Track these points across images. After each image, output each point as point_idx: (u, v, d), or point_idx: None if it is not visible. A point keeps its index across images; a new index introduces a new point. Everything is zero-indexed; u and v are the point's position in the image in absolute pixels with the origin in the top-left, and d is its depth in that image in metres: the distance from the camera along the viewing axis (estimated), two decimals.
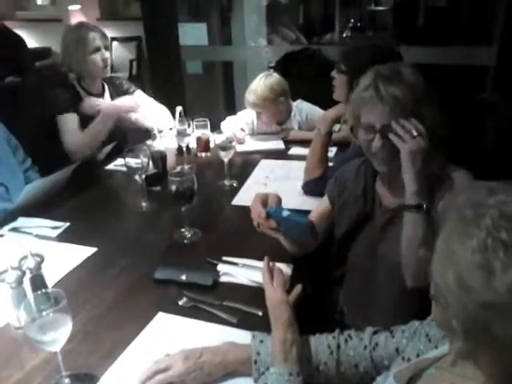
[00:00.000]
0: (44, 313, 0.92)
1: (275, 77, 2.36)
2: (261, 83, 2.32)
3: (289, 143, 2.34)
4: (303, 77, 2.73)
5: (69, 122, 2.26)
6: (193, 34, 3.62)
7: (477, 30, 3.70)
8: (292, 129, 2.39)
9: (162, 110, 2.49)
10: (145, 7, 3.42)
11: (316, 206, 1.55)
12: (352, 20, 4.80)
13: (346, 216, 1.41)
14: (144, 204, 1.80)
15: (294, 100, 2.43)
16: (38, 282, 1.21)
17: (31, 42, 5.87)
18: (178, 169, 1.52)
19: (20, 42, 5.69)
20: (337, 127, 1.93)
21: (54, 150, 2.43)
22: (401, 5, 5.25)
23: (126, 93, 2.48)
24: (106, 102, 2.38)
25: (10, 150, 2.16)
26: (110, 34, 5.72)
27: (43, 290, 0.97)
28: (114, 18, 5.81)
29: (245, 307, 1.21)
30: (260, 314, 1.19)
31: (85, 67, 2.30)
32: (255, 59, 4.17)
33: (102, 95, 2.43)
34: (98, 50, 2.30)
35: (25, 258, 1.20)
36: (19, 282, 1.17)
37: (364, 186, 1.39)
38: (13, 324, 1.20)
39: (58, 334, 0.93)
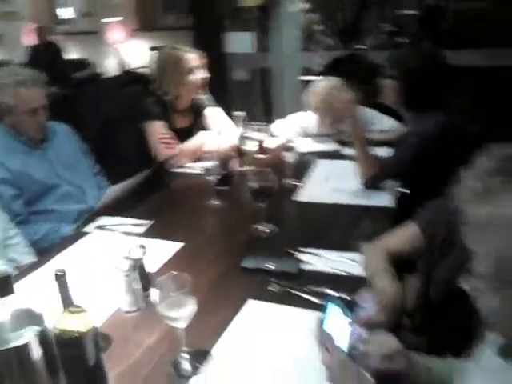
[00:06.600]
0: (173, 293, 1.04)
1: (337, 80, 2.46)
2: (322, 85, 2.43)
3: (341, 144, 2.45)
4: (348, 82, 2.83)
5: (158, 129, 2.37)
6: (237, 42, 3.77)
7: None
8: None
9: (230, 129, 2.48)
10: (195, 18, 3.58)
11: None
12: (385, 25, 4.88)
13: None
14: (216, 202, 1.93)
15: None
16: (142, 270, 1.36)
17: (69, 54, 6.11)
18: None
19: (58, 52, 5.92)
20: None
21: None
22: (430, 8, 5.32)
23: (202, 108, 2.58)
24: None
25: (82, 156, 2.33)
26: (148, 44, 5.95)
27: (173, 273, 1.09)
28: (152, 28, 6.00)
29: (333, 292, 1.32)
30: (348, 298, 1.29)
31: (182, 88, 2.40)
32: (292, 66, 4.30)
33: (186, 113, 2.53)
34: (194, 70, 2.39)
35: (132, 248, 1.34)
36: (130, 270, 1.30)
37: None
38: (123, 308, 1.33)
39: (185, 312, 1.05)
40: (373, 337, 1.07)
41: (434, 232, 1.34)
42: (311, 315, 1.24)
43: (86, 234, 1.80)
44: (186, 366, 1.11)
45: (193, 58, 2.40)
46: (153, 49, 5.48)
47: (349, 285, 1.33)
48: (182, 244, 1.64)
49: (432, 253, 1.35)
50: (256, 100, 4.44)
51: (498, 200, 0.83)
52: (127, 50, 6.14)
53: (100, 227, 1.83)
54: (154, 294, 1.04)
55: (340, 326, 1.05)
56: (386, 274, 1.31)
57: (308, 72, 4.11)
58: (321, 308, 1.22)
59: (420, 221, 1.40)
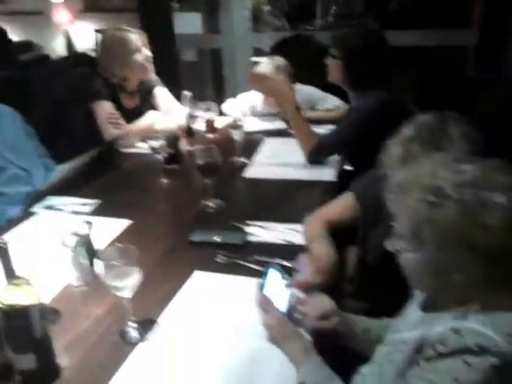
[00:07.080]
0: (116, 263, 1.07)
1: (281, 59, 2.50)
2: (269, 66, 2.45)
3: (287, 123, 2.50)
4: (296, 62, 2.88)
5: (105, 108, 2.36)
6: (185, 22, 3.75)
7: (450, 13, 3.91)
8: None
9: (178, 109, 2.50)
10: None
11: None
12: (334, 7, 4.95)
13: None
14: (165, 181, 1.95)
15: None
16: (90, 246, 1.37)
17: (13, 35, 5.86)
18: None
19: (1, 33, 5.67)
20: None
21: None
22: None
23: (151, 89, 2.56)
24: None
25: (26, 137, 2.29)
26: (94, 26, 5.80)
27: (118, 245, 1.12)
28: (97, 9, 5.84)
29: (276, 260, 1.39)
30: (289, 265, 1.36)
31: (128, 70, 2.37)
32: (243, 47, 4.31)
33: (135, 94, 2.52)
34: (139, 50, 2.37)
35: (79, 225, 1.35)
36: (77, 245, 1.32)
37: None
38: (72, 283, 1.35)
39: (130, 281, 1.09)
40: (309, 298, 1.14)
41: (368, 200, 1.43)
42: (255, 283, 1.30)
43: (33, 214, 1.79)
44: (132, 334, 1.15)
45: (136, 38, 2.39)
46: (97, 31, 5.36)
47: (291, 253, 1.39)
48: (130, 221, 1.66)
49: (367, 220, 1.44)
50: (206, 80, 4.44)
51: (416, 164, 0.91)
52: (73, 32, 5.96)
53: (47, 207, 1.83)
54: (99, 265, 1.06)
55: (279, 289, 1.12)
56: (322, 240, 1.39)
57: (259, 53, 4.14)
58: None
59: (355, 190, 1.48)
